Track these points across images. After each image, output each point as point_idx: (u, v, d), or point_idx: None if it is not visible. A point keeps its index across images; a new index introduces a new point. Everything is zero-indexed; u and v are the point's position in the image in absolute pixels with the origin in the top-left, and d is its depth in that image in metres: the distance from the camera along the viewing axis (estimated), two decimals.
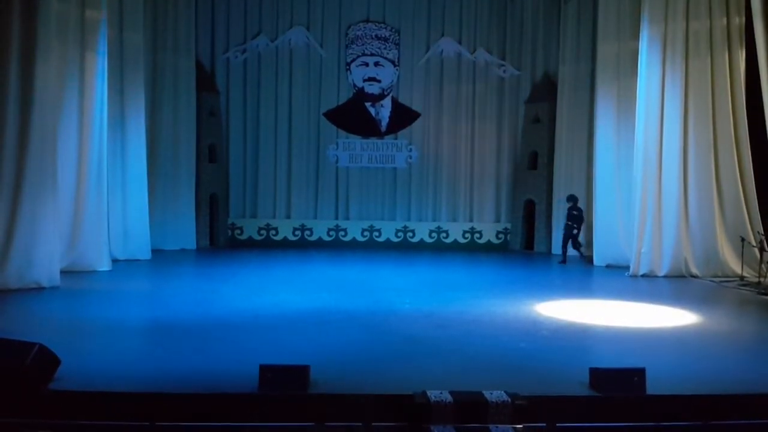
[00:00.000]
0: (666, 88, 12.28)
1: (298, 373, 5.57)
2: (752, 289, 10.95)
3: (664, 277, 12.18)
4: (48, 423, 5.20)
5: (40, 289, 9.79)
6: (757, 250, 11.37)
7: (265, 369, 5.54)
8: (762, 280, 11.01)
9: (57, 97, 10.60)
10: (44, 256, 9.92)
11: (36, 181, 9.80)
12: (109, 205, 12.10)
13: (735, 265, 12.07)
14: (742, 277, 11.67)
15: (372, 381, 5.94)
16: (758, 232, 11.73)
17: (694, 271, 12.29)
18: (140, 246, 13.09)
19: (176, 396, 5.47)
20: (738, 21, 12.25)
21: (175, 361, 6.44)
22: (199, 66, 15.07)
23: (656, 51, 12.25)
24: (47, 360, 5.65)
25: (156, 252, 13.48)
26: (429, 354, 6.92)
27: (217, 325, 7.98)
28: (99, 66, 11.62)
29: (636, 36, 12.62)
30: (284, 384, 5.47)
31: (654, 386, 5.63)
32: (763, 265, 11.10)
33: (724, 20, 12.26)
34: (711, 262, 12.29)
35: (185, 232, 14.67)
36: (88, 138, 11.57)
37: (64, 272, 10.54)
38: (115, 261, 12.17)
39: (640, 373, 5.63)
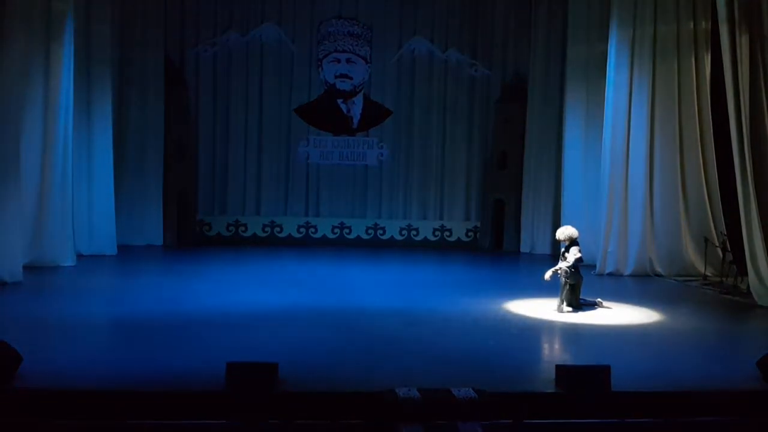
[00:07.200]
0: (633, 91, 12.44)
1: (266, 371, 5.53)
2: (714, 288, 11.17)
3: (629, 276, 12.36)
4: (8, 421, 5.09)
5: (2, 284, 9.53)
6: (719, 250, 11.61)
7: (232, 367, 5.50)
8: (724, 279, 11.23)
9: (21, 88, 10.31)
10: (6, 250, 9.66)
11: None
12: (75, 199, 11.87)
13: (698, 265, 12.29)
14: (704, 277, 11.89)
15: (341, 379, 5.94)
16: (721, 233, 11.97)
17: (659, 270, 12.49)
18: (106, 241, 12.87)
19: (141, 394, 5.40)
20: (704, 25, 12.46)
21: (140, 359, 6.36)
22: (167, 60, 14.84)
23: (624, 54, 12.41)
24: (8, 357, 5.53)
25: (122, 248, 13.26)
26: (399, 352, 6.93)
27: (184, 323, 7.89)
28: (65, 58, 11.34)
29: (605, 39, 12.75)
30: (252, 382, 5.42)
31: (618, 383, 5.72)
32: (725, 265, 11.33)
33: (691, 24, 12.47)
34: (675, 262, 12.50)
35: (152, 228, 14.43)
36: (53, 131, 11.30)
37: (26, 267, 10.30)
38: (79, 256, 11.95)
39: (604, 370, 5.72)
